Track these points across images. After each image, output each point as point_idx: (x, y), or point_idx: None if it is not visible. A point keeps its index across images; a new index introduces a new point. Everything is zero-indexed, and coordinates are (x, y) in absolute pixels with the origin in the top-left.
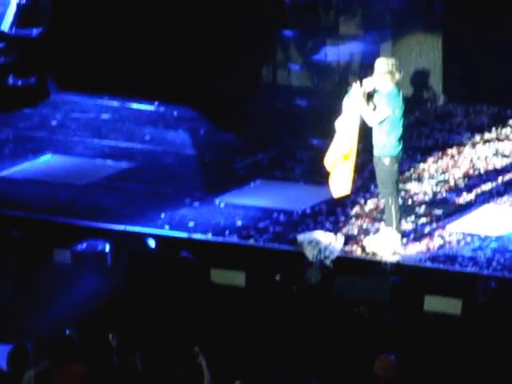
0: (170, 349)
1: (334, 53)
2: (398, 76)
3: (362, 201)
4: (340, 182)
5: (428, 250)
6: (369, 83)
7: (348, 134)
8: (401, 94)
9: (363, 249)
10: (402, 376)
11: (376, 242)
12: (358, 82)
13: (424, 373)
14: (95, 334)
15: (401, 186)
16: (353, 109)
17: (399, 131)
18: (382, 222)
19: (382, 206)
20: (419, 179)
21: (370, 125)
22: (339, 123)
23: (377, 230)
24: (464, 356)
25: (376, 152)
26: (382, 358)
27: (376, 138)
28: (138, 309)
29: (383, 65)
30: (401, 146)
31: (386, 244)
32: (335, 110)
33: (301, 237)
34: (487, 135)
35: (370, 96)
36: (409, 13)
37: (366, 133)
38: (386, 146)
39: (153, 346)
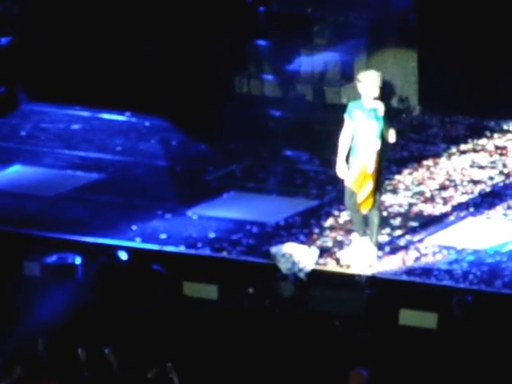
0: (142, 362)
1: (308, 63)
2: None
3: (336, 213)
4: (366, 200)
5: (403, 262)
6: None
7: (372, 155)
8: None
9: (338, 261)
10: None
11: (351, 254)
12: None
13: None
14: (65, 347)
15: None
16: (373, 128)
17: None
18: (354, 233)
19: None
20: (394, 191)
21: (392, 142)
22: (361, 145)
23: (351, 243)
24: (440, 371)
25: None
26: (355, 373)
27: None
28: (109, 323)
29: (377, 79)
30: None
31: (360, 256)
32: (309, 121)
33: (274, 249)
34: (463, 146)
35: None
36: (383, 23)
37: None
38: None
39: (125, 360)
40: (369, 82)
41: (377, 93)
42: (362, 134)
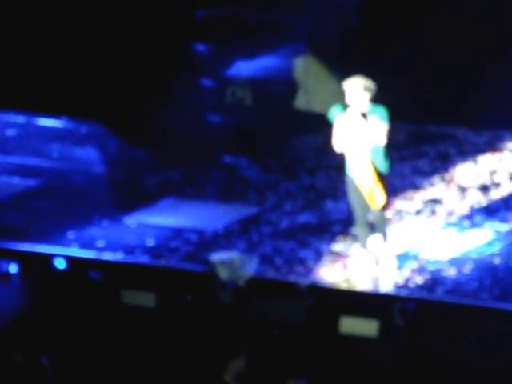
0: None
1: (247, 67)
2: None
3: (276, 220)
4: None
5: (344, 269)
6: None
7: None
8: None
9: (277, 269)
10: None
11: (366, 267)
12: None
13: None
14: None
15: (316, 204)
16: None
17: None
18: (359, 248)
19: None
20: (334, 197)
21: (381, 144)
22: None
23: (291, 250)
24: (380, 379)
25: None
26: (292, 383)
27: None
28: (46, 331)
29: (363, 83)
30: None
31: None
32: (248, 126)
33: (213, 257)
34: (404, 152)
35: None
36: (324, 27)
37: (285, 148)
38: None
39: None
40: (353, 88)
41: (366, 97)
42: (355, 140)
